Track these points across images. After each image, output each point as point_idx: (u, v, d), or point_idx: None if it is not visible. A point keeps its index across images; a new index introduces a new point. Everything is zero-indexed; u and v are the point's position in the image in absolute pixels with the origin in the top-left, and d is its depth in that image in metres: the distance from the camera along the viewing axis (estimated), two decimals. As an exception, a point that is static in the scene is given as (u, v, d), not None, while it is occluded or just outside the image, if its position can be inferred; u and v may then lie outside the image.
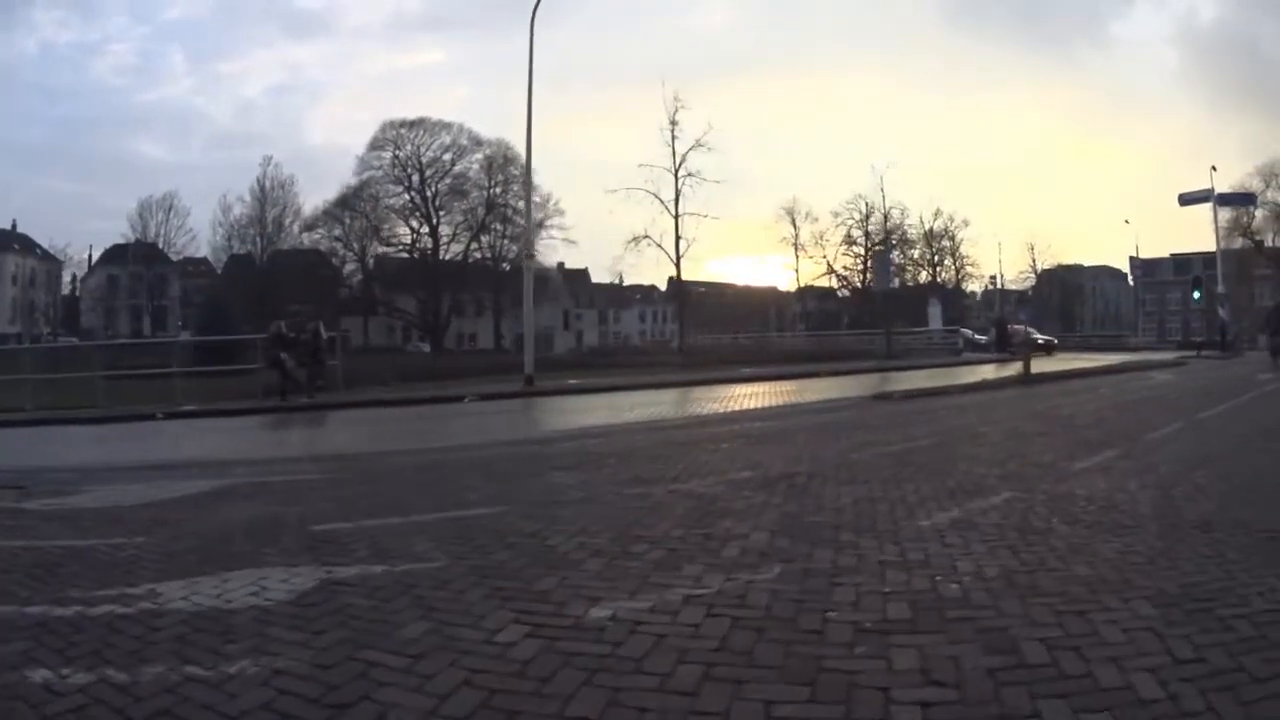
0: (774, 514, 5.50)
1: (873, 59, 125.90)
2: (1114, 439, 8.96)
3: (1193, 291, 41.31)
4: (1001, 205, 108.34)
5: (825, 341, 49.28)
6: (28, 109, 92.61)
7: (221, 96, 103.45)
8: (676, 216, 42.67)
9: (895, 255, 72.42)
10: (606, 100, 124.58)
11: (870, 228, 66.83)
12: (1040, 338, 39.24)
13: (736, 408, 15.08)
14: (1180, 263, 71.99)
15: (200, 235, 68.08)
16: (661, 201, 42.90)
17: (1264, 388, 17.24)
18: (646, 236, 43.88)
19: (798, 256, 63.75)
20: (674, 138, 42.78)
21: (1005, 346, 36.55)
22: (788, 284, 76.93)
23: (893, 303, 40.25)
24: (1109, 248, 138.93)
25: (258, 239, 64.82)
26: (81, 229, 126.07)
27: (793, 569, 4.20)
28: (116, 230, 68.93)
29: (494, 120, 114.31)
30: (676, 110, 42.63)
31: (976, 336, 43.34)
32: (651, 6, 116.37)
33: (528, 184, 27.96)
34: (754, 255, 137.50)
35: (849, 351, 38.85)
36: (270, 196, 64.59)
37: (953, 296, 63.61)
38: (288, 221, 65.24)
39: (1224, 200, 42.10)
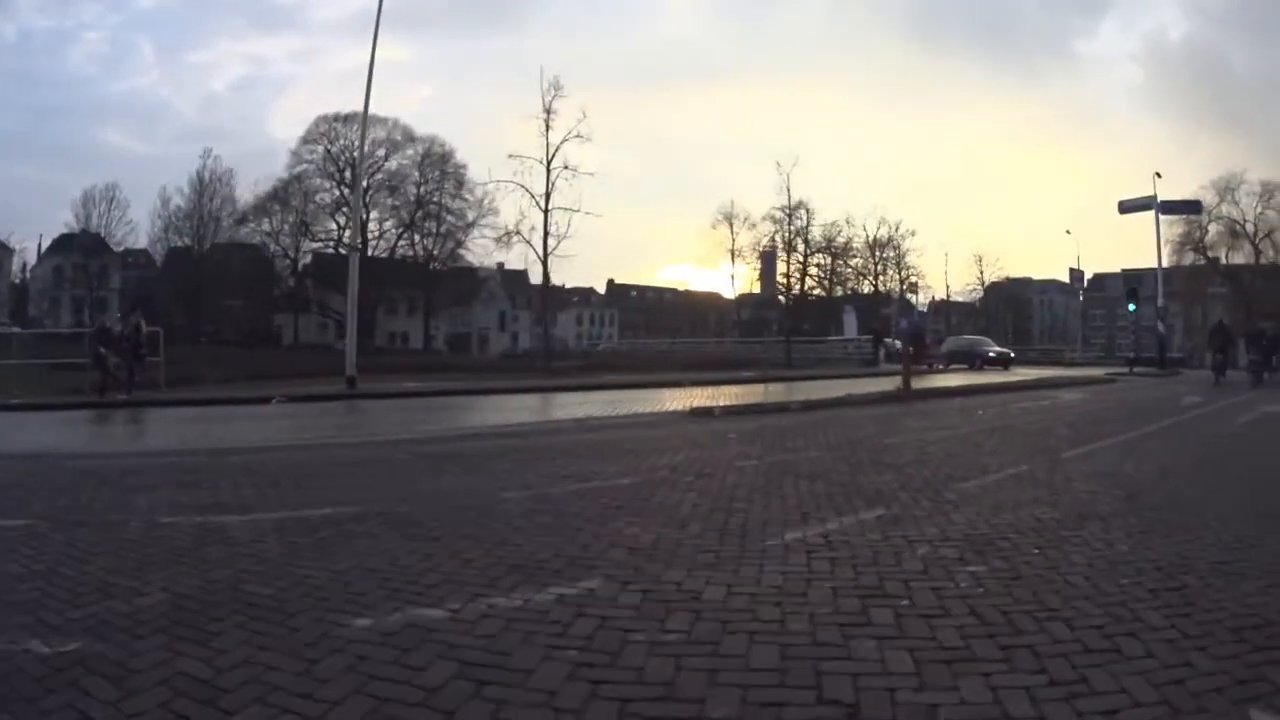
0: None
1: (833, 71, 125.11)
2: (905, 489, 6.67)
3: (1128, 304, 38.29)
4: (955, 218, 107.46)
5: (741, 349, 46.84)
6: (1, 96, 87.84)
7: (188, 88, 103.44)
8: (546, 211, 39.14)
9: (842, 264, 70.37)
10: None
11: (811, 235, 64.31)
12: (993, 351, 36.21)
13: (523, 419, 14.03)
14: (1131, 278, 69.45)
15: (140, 227, 66.72)
16: (531, 195, 39.40)
17: (1184, 414, 14.46)
18: (517, 232, 40.74)
19: (734, 262, 60.49)
20: (548, 128, 39.07)
21: (923, 359, 33.42)
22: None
23: (814, 310, 37.12)
24: (1063, 262, 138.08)
25: (195, 232, 64.63)
26: (48, 218, 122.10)
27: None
28: (75, 221, 66.92)
29: (453, 120, 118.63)
30: (553, 99, 38.87)
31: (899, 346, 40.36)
32: (620, 12, 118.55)
33: (360, 166, 24.73)
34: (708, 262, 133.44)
35: (746, 360, 36.29)
36: (209, 189, 63.87)
37: (874, 305, 61.44)
38: (225, 215, 64.57)
39: (1167, 208, 39.14)
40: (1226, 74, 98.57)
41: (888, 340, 38.51)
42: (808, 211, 63.86)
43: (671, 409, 14.71)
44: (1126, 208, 39.37)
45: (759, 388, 21.80)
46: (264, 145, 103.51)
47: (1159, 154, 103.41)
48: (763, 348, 40.93)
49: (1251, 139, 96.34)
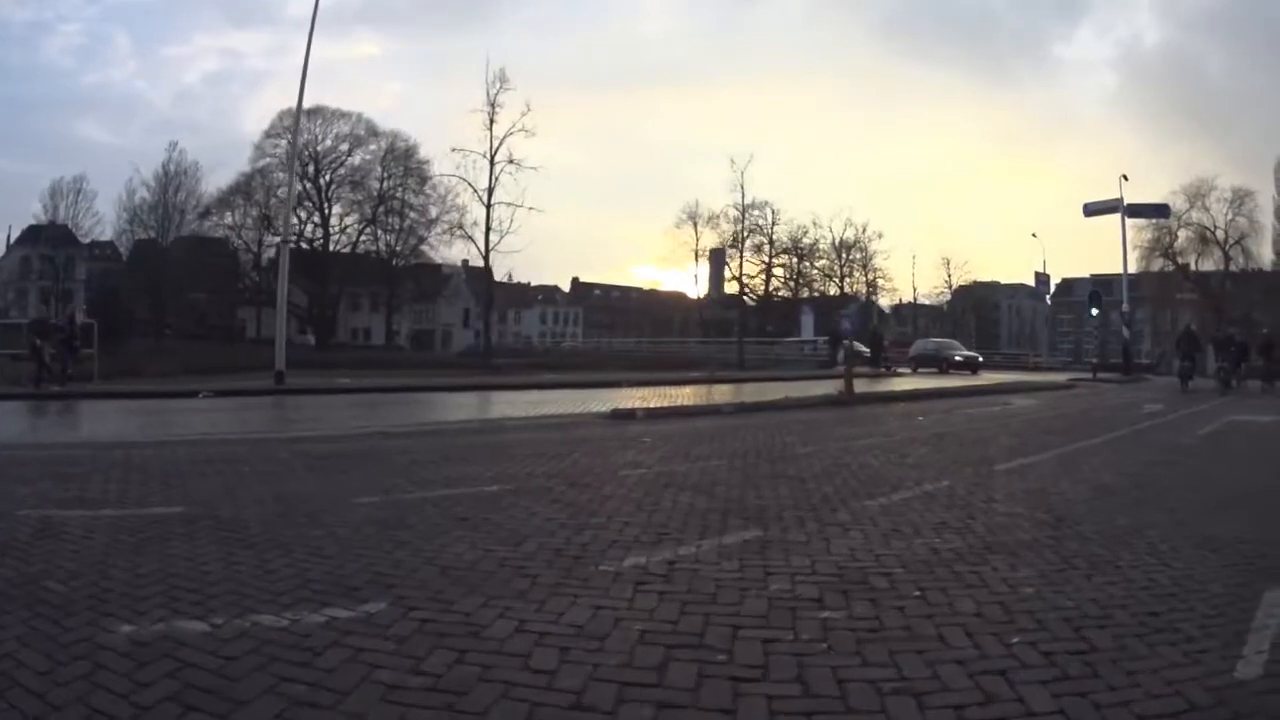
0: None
1: (807, 73, 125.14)
2: (797, 507, 5.95)
3: (1090, 308, 37.64)
4: (926, 221, 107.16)
5: (698, 349, 46.01)
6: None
7: (163, 82, 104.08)
8: (488, 206, 38.54)
9: (808, 266, 69.65)
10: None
11: (777, 236, 63.66)
12: (960, 354, 35.25)
13: (435, 418, 13.57)
14: (1100, 283, 69.24)
15: (107, 219, 65.77)
16: (474, 189, 39.11)
17: (1140, 424, 13.64)
18: (459, 226, 42.03)
19: (698, 262, 59.38)
20: (492, 121, 38.37)
21: (880, 360, 32.70)
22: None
23: (779, 311, 36.32)
24: (1032, 267, 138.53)
25: (160, 224, 63.34)
26: (20, 209, 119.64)
27: None
28: (44, 212, 66.13)
29: (423, 116, 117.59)
30: (499, 92, 37.93)
31: (861, 349, 39.58)
32: (595, 11, 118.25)
33: (291, 158, 23.89)
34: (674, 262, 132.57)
35: (700, 361, 36.31)
36: (173, 182, 62.40)
37: (832, 307, 60.84)
38: (189, 208, 63.36)
39: (1134, 211, 38.45)
40: (1201, 81, 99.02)
41: (846, 342, 37.64)
42: (773, 212, 63.54)
43: (595, 410, 13.97)
44: (1091, 210, 38.68)
45: (700, 389, 20.97)
46: (237, 139, 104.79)
47: (1131, 160, 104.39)
48: (719, 348, 39.99)
49: (1225, 146, 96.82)
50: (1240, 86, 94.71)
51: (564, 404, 15.65)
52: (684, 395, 18.34)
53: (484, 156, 38.05)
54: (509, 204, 38.40)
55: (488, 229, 38.62)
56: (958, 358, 34.66)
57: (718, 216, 54.89)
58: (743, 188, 44.41)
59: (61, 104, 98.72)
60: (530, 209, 38.64)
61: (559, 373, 29.16)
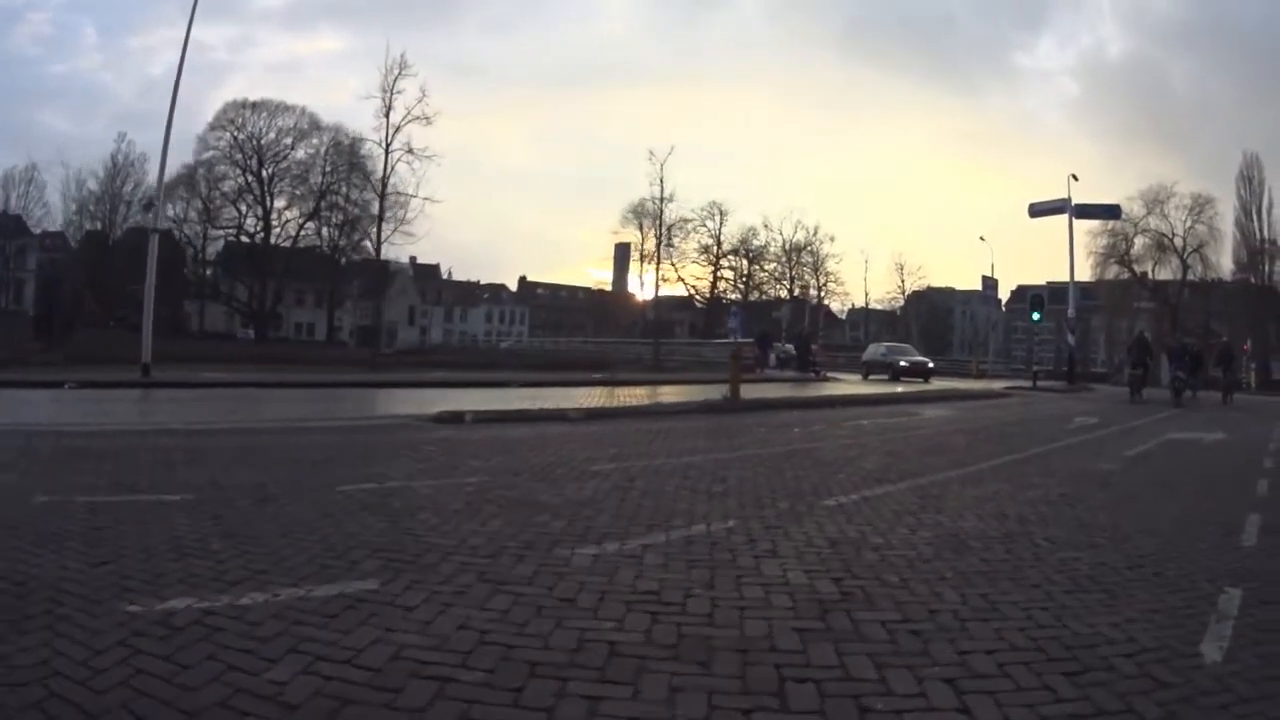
0: None
1: (766, 77, 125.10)
2: (474, 551, 4.53)
3: (1032, 313, 35.96)
4: (883, 227, 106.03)
5: (628, 349, 44.06)
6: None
7: (128, 73, 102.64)
8: (382, 196, 37.74)
9: (758, 268, 68.18)
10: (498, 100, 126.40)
11: (724, 236, 62.15)
12: (906, 360, 32.82)
13: (255, 415, 12.47)
14: (1055, 290, 68.31)
15: (57, 209, 65.32)
16: (367, 177, 39.82)
17: (1063, 440, 11.71)
18: (357, 217, 40.43)
19: (643, 263, 57.33)
20: (389, 108, 36.80)
21: (808, 365, 30.77)
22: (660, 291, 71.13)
23: (722, 312, 34.61)
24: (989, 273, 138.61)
25: (107, 216, 63.76)
26: None
27: None
28: (-1, 201, 67.27)
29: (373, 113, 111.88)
30: (398, 76, 36.46)
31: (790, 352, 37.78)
32: (556, 11, 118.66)
33: (166, 142, 22.15)
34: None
35: (617, 361, 35.22)
36: (121, 173, 62.54)
37: (763, 310, 59.54)
38: (137, 199, 62.92)
39: (1083, 212, 36.41)
40: (1164, 92, 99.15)
41: (777, 345, 35.79)
42: (721, 212, 62.13)
43: (429, 412, 12.28)
44: (1037, 210, 36.78)
45: (581, 391, 19.22)
46: (197, 132, 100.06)
47: (1091, 169, 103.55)
48: (645, 349, 38.25)
49: (1187, 157, 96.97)
50: (1203, 97, 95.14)
51: (413, 404, 14.39)
52: (553, 397, 16.37)
53: (378, 144, 36.74)
54: (403, 194, 38.25)
55: (380, 217, 38.13)
56: (903, 363, 32.36)
57: (669, 219, 53.32)
58: (662, 181, 42.59)
59: (26, 93, 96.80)
60: (425, 199, 38.59)
61: (452, 371, 27.76)
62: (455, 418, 11.46)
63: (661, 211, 42.44)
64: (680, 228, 60.89)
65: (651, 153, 38.42)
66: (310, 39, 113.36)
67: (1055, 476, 7.74)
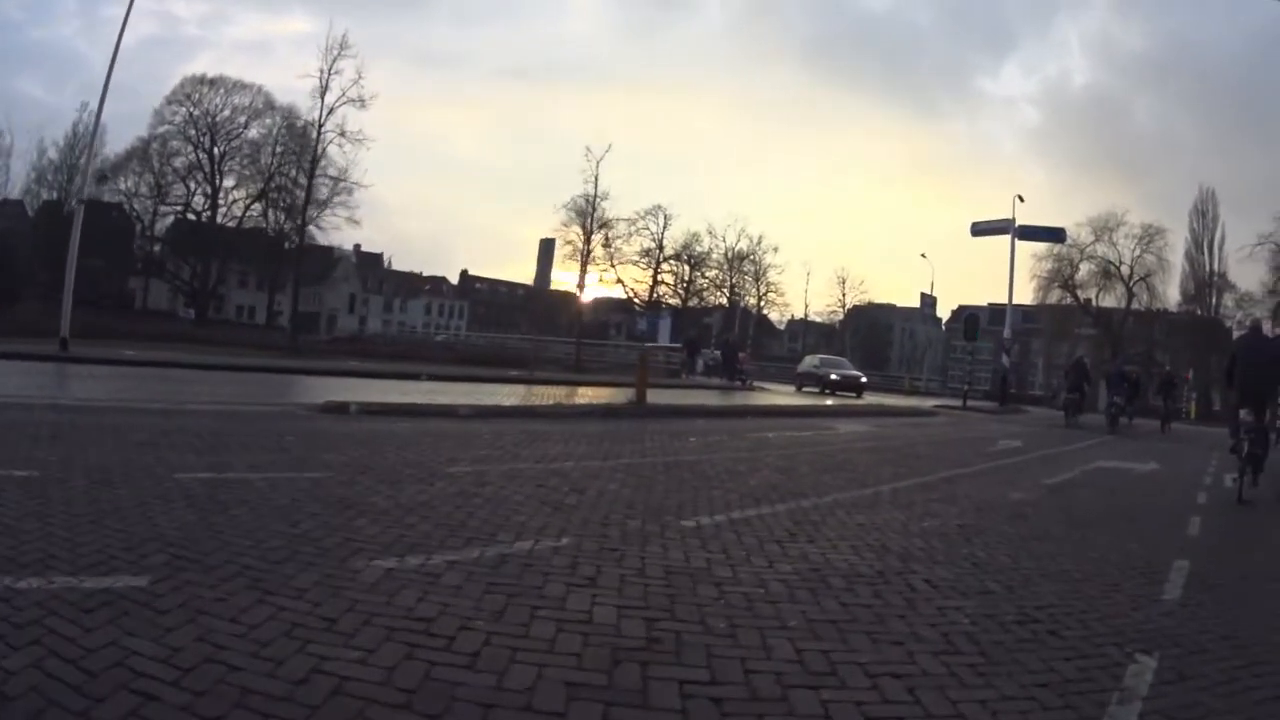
0: None
1: (724, 87, 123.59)
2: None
3: (965, 333, 35.75)
4: (833, 241, 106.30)
5: (558, 348, 43.11)
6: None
7: (102, 42, 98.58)
8: (311, 177, 39.14)
9: (699, 275, 67.83)
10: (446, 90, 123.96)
11: (666, 241, 61.53)
12: (835, 373, 31.94)
13: (132, 395, 11.63)
14: (998, 312, 68.75)
15: (17, 176, 62.85)
16: (297, 161, 40.62)
17: (978, 464, 11.04)
18: (276, 189, 41.75)
19: (583, 263, 56.34)
20: (324, 89, 37.85)
21: (733, 373, 30.18)
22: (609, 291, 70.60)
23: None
24: (934, 293, 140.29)
25: (64, 186, 61.17)
26: None
27: None
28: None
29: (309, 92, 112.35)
30: (337, 57, 36.60)
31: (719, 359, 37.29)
32: (527, 5, 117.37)
33: (96, 122, 21.99)
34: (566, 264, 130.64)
35: (540, 360, 34.76)
36: (81, 143, 59.15)
37: (693, 315, 59.07)
38: (92, 170, 60.14)
39: (1026, 233, 36.28)
40: (1125, 126, 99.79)
41: (705, 350, 35.08)
42: (665, 216, 61.54)
43: (317, 401, 11.83)
44: (980, 230, 36.63)
45: (492, 388, 18.56)
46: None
47: (1046, 196, 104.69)
48: (590, 350, 37.77)
49: (1141, 191, 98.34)
50: (1163, 134, 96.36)
51: (312, 392, 13.88)
52: (456, 393, 15.84)
53: (311, 125, 38.59)
54: (330, 177, 39.92)
55: (306, 199, 39.35)
56: (834, 376, 31.57)
57: (610, 219, 52.62)
58: (596, 179, 41.94)
59: (6, 58, 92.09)
60: (355, 183, 40.04)
61: (369, 361, 27.40)
62: (340, 408, 11.14)
63: (594, 210, 41.84)
64: (614, 227, 60.05)
65: (588, 149, 37.92)
66: (282, 20, 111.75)
67: (959, 505, 6.96)
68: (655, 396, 17.13)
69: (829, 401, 23.72)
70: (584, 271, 43.35)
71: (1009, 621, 3.75)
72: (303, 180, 59.25)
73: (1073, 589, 4.46)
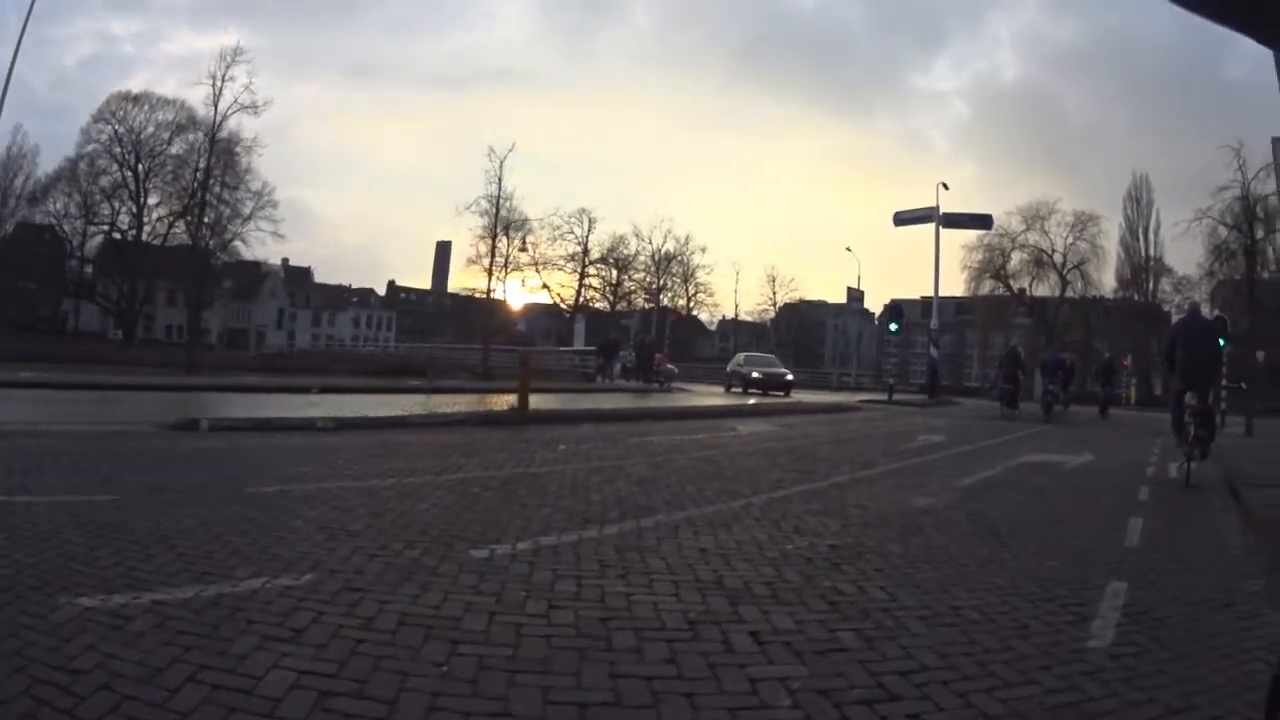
0: None
1: (653, 88, 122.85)
2: None
3: (889, 323, 35.35)
4: (764, 241, 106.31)
5: (476, 356, 42.12)
6: None
7: (42, 64, 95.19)
8: (204, 187, 39.70)
9: (626, 277, 67.46)
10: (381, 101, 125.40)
11: (591, 244, 62.47)
12: (759, 371, 30.70)
13: None
14: (928, 304, 69.03)
15: None
16: (195, 171, 41.13)
17: (889, 463, 10.10)
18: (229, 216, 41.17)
19: (506, 270, 55.46)
20: (217, 95, 38.68)
21: (650, 375, 29.53)
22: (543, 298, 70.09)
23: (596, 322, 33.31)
24: (866, 289, 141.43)
25: None
26: None
27: None
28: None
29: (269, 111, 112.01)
30: (230, 64, 38.60)
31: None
32: (456, 15, 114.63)
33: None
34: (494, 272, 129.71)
35: (469, 367, 36.03)
36: (13, 165, 60.34)
37: (609, 318, 58.82)
38: (25, 193, 61.92)
39: (951, 221, 35.91)
40: (1056, 118, 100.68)
41: (623, 354, 34.02)
42: (589, 220, 60.94)
43: (172, 418, 10.94)
44: (903, 219, 36.28)
45: (380, 398, 17.97)
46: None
47: (978, 189, 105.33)
48: (498, 355, 36.85)
49: (1074, 182, 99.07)
50: (1096, 125, 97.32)
51: (179, 409, 12.66)
52: (342, 404, 14.90)
53: (204, 135, 39.27)
54: (255, 191, 41.31)
55: (201, 206, 40.13)
56: (755, 375, 30.37)
57: (522, 219, 51.69)
58: (500, 179, 41.40)
59: None
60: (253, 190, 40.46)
61: (270, 375, 27.24)
62: (191, 425, 10.58)
63: (498, 210, 41.01)
64: (533, 230, 59.57)
65: (491, 149, 37.30)
66: (216, 36, 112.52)
67: (842, 518, 5.85)
68: (554, 402, 16.18)
69: (751, 401, 22.81)
70: (491, 274, 42.88)
71: (850, 701, 2.64)
72: (227, 196, 58.64)
73: (962, 636, 3.33)
